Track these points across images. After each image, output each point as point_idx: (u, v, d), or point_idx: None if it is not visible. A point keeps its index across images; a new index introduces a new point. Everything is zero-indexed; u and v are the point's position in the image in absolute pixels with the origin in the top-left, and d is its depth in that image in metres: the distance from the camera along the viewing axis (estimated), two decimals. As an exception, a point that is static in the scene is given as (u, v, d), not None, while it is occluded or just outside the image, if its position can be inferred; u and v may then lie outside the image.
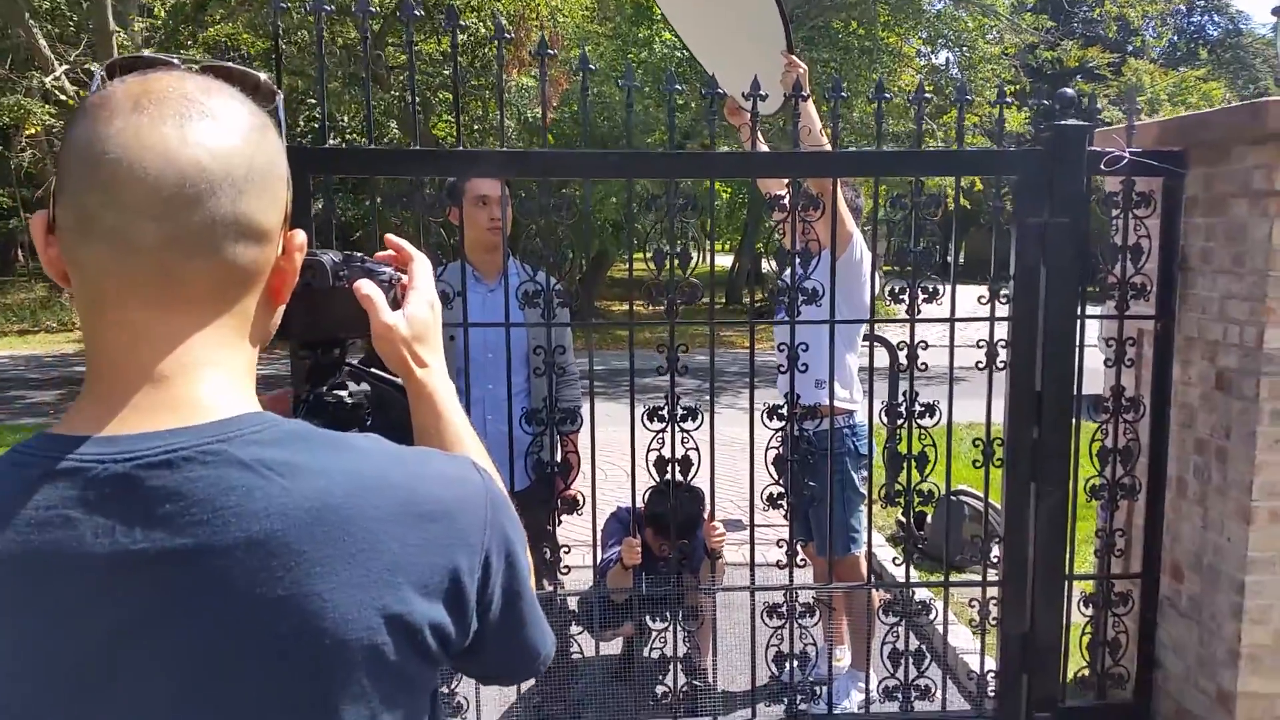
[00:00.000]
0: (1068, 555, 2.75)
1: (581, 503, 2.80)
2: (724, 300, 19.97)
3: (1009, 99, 2.92)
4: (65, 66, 10.63)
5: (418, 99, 2.71)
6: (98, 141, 0.68)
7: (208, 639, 0.66)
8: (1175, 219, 2.74)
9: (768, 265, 14.18)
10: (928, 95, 2.70)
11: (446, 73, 15.16)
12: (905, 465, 2.73)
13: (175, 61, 0.76)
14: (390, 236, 1.08)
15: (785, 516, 2.81)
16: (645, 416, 2.69)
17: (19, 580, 0.65)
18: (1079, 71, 21.53)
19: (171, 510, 0.66)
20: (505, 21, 12.50)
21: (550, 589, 2.80)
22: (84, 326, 0.73)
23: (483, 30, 11.62)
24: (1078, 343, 2.69)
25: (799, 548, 2.83)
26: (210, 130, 0.70)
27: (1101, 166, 2.61)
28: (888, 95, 2.61)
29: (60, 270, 0.73)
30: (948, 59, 18.15)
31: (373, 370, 1.22)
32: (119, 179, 0.68)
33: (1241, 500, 2.53)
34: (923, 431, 2.72)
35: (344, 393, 1.24)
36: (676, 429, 2.68)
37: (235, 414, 0.71)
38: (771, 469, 2.76)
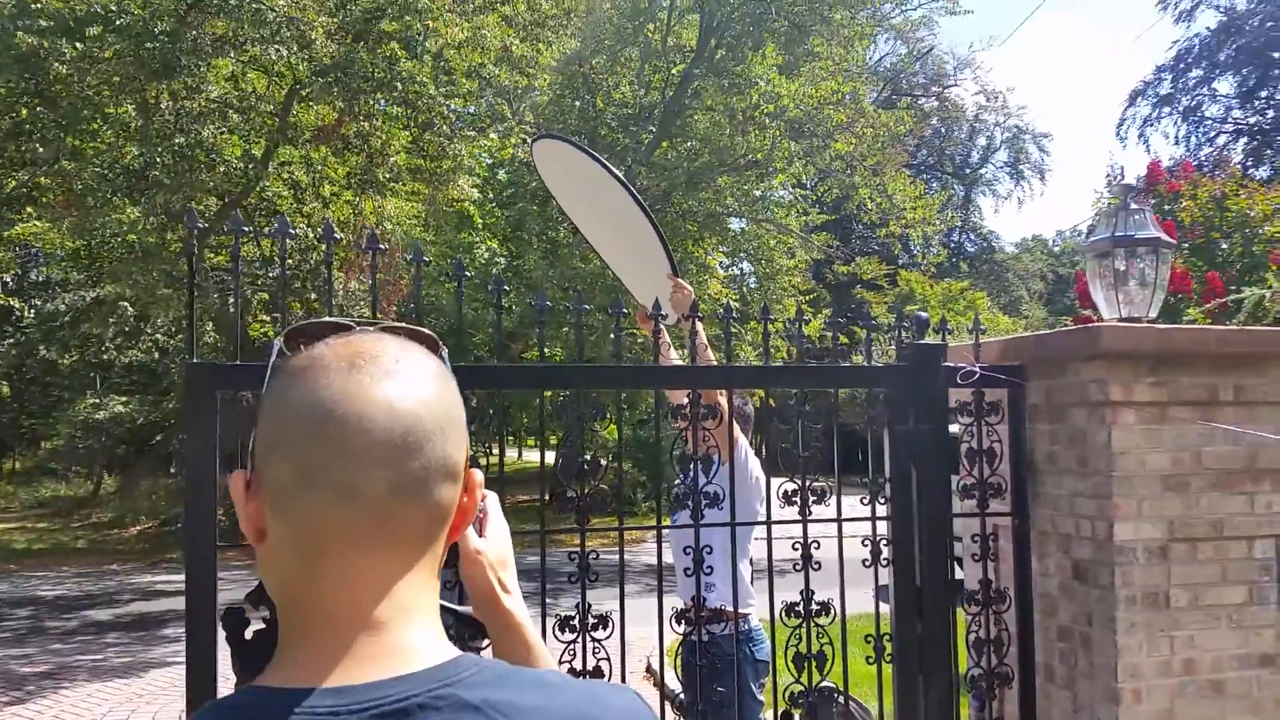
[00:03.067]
0: (959, 745, 2.88)
1: None
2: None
3: (802, 306, 3.33)
4: None
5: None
6: (323, 399, 0.73)
7: None
8: (1021, 426, 3.08)
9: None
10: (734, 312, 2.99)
11: (266, 274, 15.07)
12: (806, 665, 2.82)
13: (352, 324, 0.83)
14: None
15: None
16: (556, 627, 2.69)
17: None
18: (859, 281, 23.72)
19: None
20: (335, 226, 12.66)
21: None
22: (289, 576, 0.75)
23: (311, 235, 11.67)
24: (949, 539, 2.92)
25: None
26: (418, 385, 0.76)
27: (958, 380, 2.93)
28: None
29: (258, 526, 0.75)
30: (743, 270, 19.65)
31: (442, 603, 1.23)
32: (348, 432, 0.73)
33: (1108, 683, 2.76)
34: (820, 630, 2.84)
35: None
36: (588, 638, 2.69)
37: (448, 658, 0.74)
38: (680, 676, 2.79)
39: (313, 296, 13.87)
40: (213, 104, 9.65)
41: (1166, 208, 6.97)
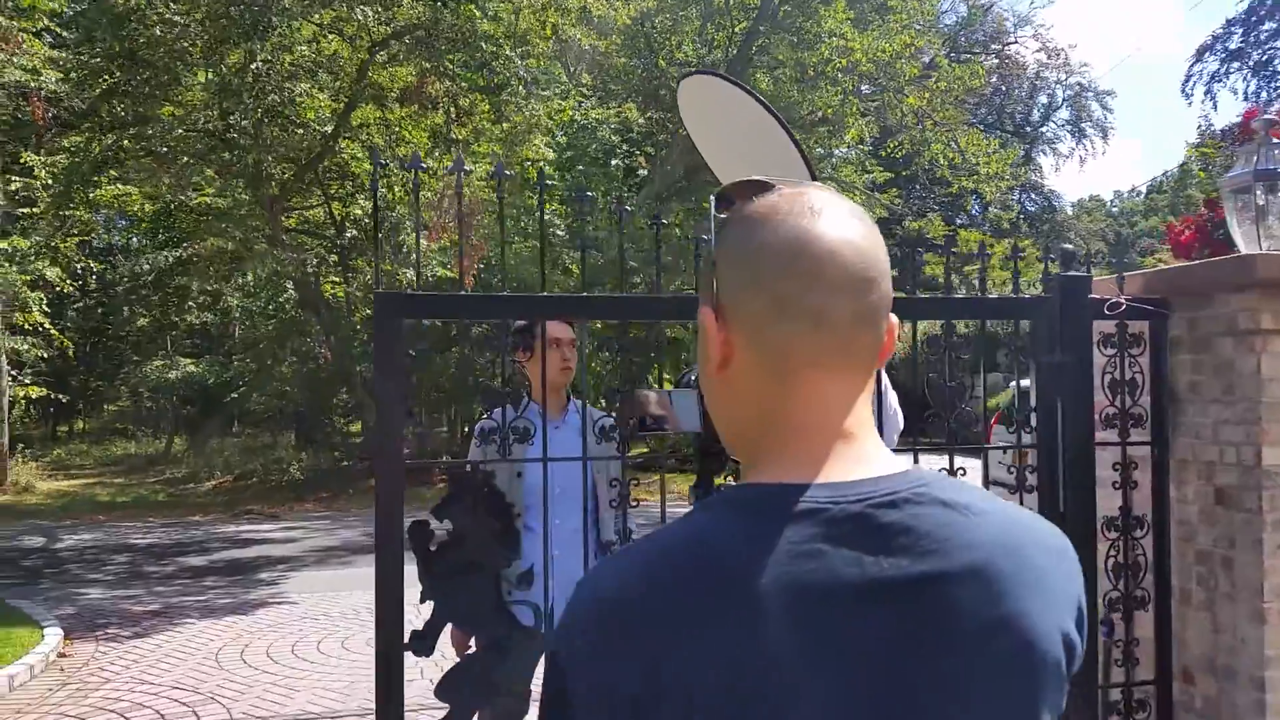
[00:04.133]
0: (1099, 664, 2.98)
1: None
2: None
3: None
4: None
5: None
6: (794, 238, 0.84)
7: (943, 656, 0.76)
8: (1163, 356, 3.14)
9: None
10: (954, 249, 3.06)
11: (339, 236, 15.35)
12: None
13: (773, 183, 0.93)
14: None
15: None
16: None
17: (794, 605, 0.75)
18: (923, 241, 23.55)
19: (906, 542, 0.78)
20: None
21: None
22: (762, 396, 0.85)
23: (393, 194, 11.87)
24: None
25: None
26: (870, 230, 0.87)
27: (1105, 311, 2.99)
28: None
29: (724, 355, 0.87)
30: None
31: None
32: (821, 265, 0.83)
33: (1253, 603, 2.83)
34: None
35: None
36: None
37: (907, 465, 0.85)
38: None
39: (388, 254, 14.09)
40: (300, 63, 9.83)
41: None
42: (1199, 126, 29.18)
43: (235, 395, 19.32)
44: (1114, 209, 49.88)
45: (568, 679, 0.78)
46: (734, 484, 0.86)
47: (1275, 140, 3.24)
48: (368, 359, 19.96)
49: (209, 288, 13.19)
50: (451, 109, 10.48)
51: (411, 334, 2.73)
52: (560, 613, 0.84)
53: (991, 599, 0.78)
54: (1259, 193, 3.19)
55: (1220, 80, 31.55)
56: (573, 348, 3.27)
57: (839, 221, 0.85)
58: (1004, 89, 35.99)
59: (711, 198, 0.95)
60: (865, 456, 0.84)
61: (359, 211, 13.13)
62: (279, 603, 8.05)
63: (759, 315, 0.84)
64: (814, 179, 3.23)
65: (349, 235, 14.42)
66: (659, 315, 2.92)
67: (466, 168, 2.79)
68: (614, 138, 17.86)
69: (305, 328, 15.87)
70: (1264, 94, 31.37)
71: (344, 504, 15.60)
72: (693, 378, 1.31)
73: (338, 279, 16.64)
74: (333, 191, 15.18)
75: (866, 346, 0.86)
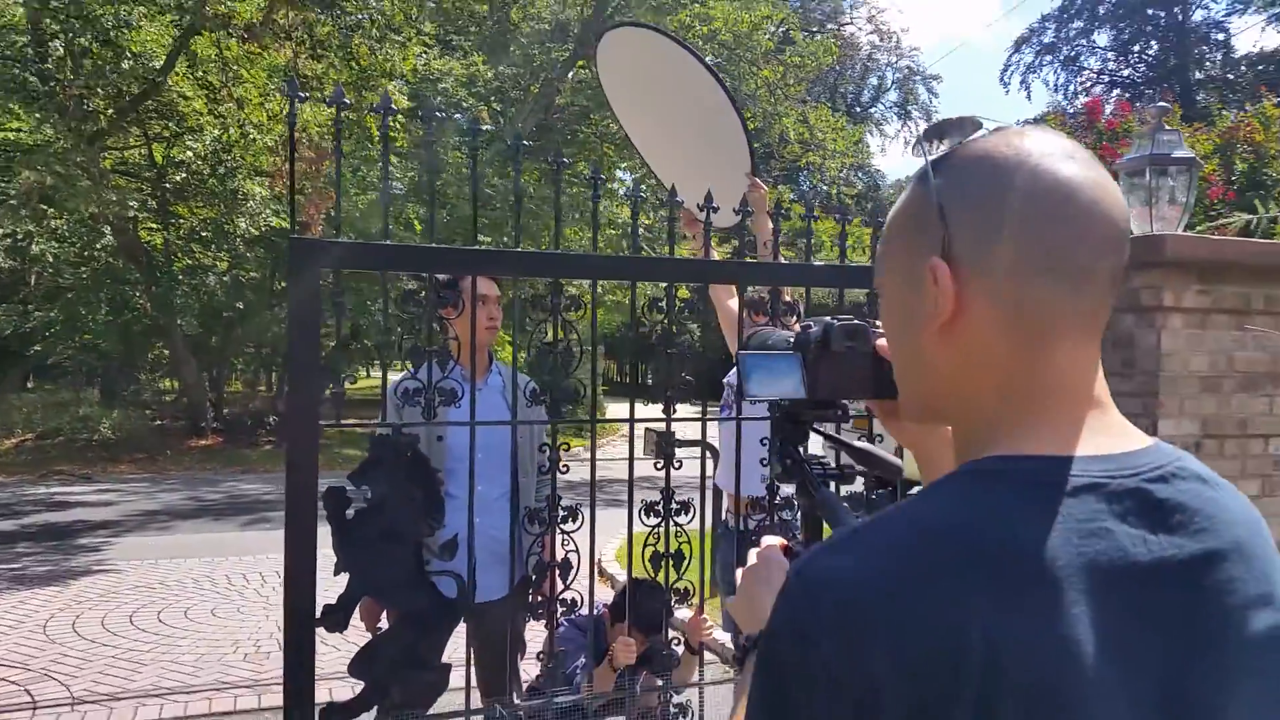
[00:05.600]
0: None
1: (580, 603, 2.78)
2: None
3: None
4: None
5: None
6: (1059, 186, 0.75)
7: (1222, 639, 0.72)
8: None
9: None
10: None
11: (160, 181, 14.27)
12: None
13: (981, 121, 0.85)
14: None
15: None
16: (642, 512, 2.75)
17: (1093, 589, 0.68)
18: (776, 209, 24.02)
19: (1182, 519, 0.73)
20: (251, 129, 12.09)
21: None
22: (1003, 358, 0.77)
23: (228, 135, 11.09)
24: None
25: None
26: (1114, 182, 0.79)
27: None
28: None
29: (951, 311, 0.77)
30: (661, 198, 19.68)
31: (855, 444, 1.28)
32: (1092, 218, 0.75)
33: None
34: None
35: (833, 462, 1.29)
36: (670, 523, 2.76)
37: (1150, 439, 0.79)
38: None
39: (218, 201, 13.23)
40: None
41: (1105, 143, 7.35)
42: (1017, 122, 30.97)
43: (38, 348, 17.75)
44: (932, 190, 52.38)
45: (813, 695, 0.67)
46: (982, 457, 0.76)
47: (1168, 128, 3.41)
48: (189, 311, 18.75)
49: (20, 230, 11.95)
50: (305, 38, 9.80)
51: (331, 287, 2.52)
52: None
53: (1255, 577, 0.75)
54: (1152, 177, 3.35)
55: (1035, 71, 33.66)
56: (498, 305, 3.11)
57: (1095, 171, 0.77)
58: (838, 68, 37.12)
59: (919, 138, 0.86)
60: (1121, 427, 0.78)
61: (189, 155, 12.20)
62: (105, 571, 7.46)
63: (1013, 269, 0.75)
64: (750, 146, 3.18)
65: (179, 178, 13.41)
66: (597, 274, 2.81)
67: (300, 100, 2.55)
68: (461, 91, 17.34)
69: (123, 276, 14.71)
70: (1071, 86, 33.69)
71: (162, 465, 14.68)
72: (774, 338, 1.22)
73: (155, 225, 15.51)
74: (155, 132, 14.11)
75: (1107, 309, 0.79)
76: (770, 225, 3.11)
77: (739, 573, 1.15)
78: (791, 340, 1.24)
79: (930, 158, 0.82)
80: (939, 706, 0.63)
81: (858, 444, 1.35)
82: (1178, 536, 0.73)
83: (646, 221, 15.30)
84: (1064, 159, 0.76)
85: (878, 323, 1.25)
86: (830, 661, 0.66)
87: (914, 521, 0.72)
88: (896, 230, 0.86)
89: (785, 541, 1.16)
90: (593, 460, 2.90)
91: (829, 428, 1.29)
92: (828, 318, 1.25)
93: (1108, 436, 0.76)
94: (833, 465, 1.27)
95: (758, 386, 1.23)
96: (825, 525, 1.30)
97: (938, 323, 0.79)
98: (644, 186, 2.87)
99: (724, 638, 4.54)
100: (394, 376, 2.98)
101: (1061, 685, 0.65)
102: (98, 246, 13.78)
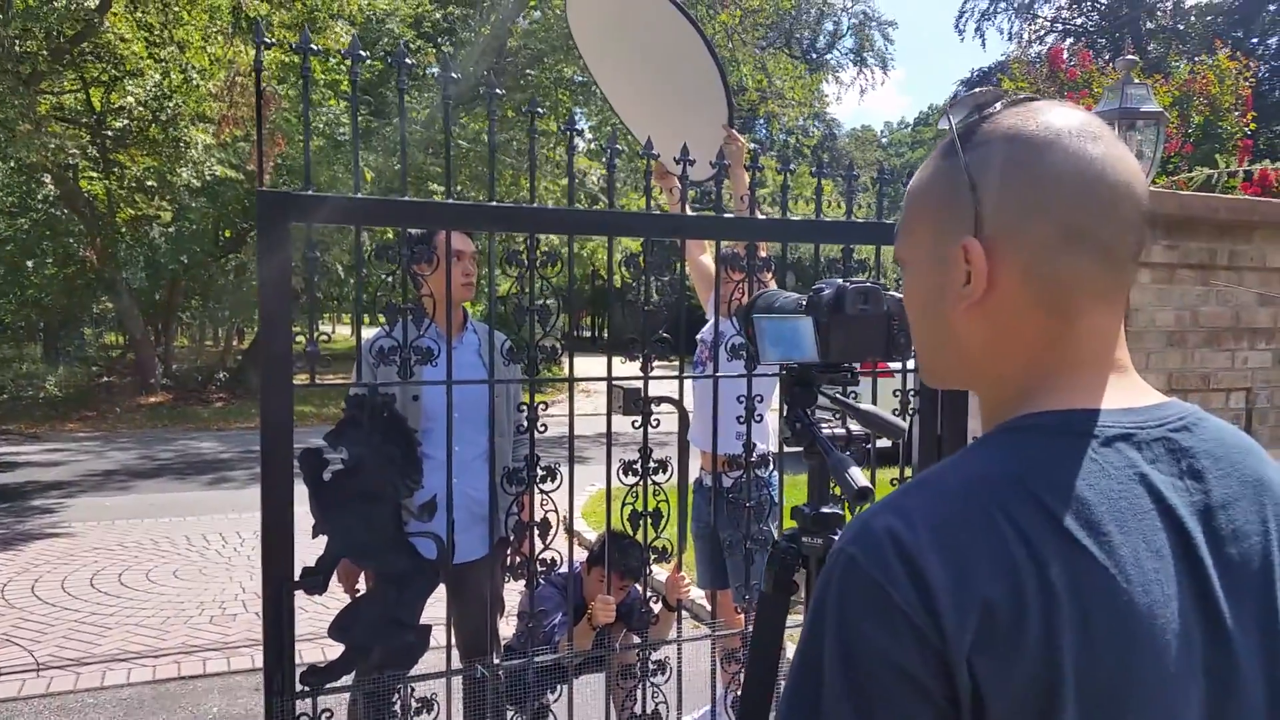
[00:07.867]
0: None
1: (559, 563, 2.78)
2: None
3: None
4: None
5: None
6: (1089, 165, 0.77)
7: (1249, 577, 0.77)
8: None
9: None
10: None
11: (102, 129, 13.80)
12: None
13: (1004, 92, 0.85)
14: None
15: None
16: (620, 470, 2.74)
17: (1139, 532, 0.73)
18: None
19: (1207, 465, 0.78)
20: (195, 75, 11.70)
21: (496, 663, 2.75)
22: (1032, 332, 0.80)
23: (169, 82, 10.74)
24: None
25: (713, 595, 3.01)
26: (1135, 159, 0.82)
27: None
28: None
29: (984, 286, 0.79)
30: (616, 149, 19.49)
31: (859, 406, 1.27)
32: (1118, 195, 0.78)
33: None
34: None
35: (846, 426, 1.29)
36: (649, 481, 2.76)
37: (1164, 396, 0.83)
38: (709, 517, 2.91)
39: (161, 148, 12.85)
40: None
41: (1068, 92, 7.38)
42: (976, 70, 31.08)
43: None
44: (884, 140, 52.67)
45: (871, 655, 0.69)
46: (1013, 417, 0.79)
47: (1137, 83, 3.42)
48: (134, 264, 18.28)
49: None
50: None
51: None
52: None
53: (1271, 515, 0.81)
54: (1119, 131, 3.37)
55: (989, 19, 33.63)
56: (473, 261, 3.06)
57: (1122, 151, 0.81)
58: (793, 14, 36.81)
59: (944, 111, 0.85)
60: (1141, 386, 0.83)
61: (130, 100, 11.79)
62: (60, 533, 7.32)
63: (1046, 245, 0.78)
64: (730, 98, 3.14)
65: (120, 125, 12.98)
66: (574, 229, 2.77)
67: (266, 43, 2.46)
68: (409, 32, 16.93)
69: (65, 227, 14.27)
70: (1025, 34, 33.76)
71: (112, 424, 14.39)
72: (781, 300, 1.21)
73: (96, 174, 15.03)
74: (93, 76, 13.62)
75: (1127, 284, 0.84)
76: (747, 178, 3.09)
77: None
78: (803, 303, 1.23)
79: (956, 130, 0.83)
80: (1009, 637, 0.67)
81: (861, 406, 1.35)
82: (1203, 482, 0.78)
83: (601, 172, 15.14)
84: (1092, 139, 0.79)
85: (882, 282, 1.25)
86: (901, 606, 0.69)
87: (963, 474, 0.75)
88: (921, 204, 0.87)
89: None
90: (570, 419, 2.89)
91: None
92: (839, 280, 1.24)
93: (1129, 393, 0.81)
94: (839, 427, 1.27)
95: (771, 350, 1.22)
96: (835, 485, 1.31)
97: (969, 298, 0.80)
98: (617, 139, 2.84)
99: (699, 595, 4.58)
100: (367, 333, 2.93)
101: (1114, 614, 0.70)
102: (39, 197, 13.33)
